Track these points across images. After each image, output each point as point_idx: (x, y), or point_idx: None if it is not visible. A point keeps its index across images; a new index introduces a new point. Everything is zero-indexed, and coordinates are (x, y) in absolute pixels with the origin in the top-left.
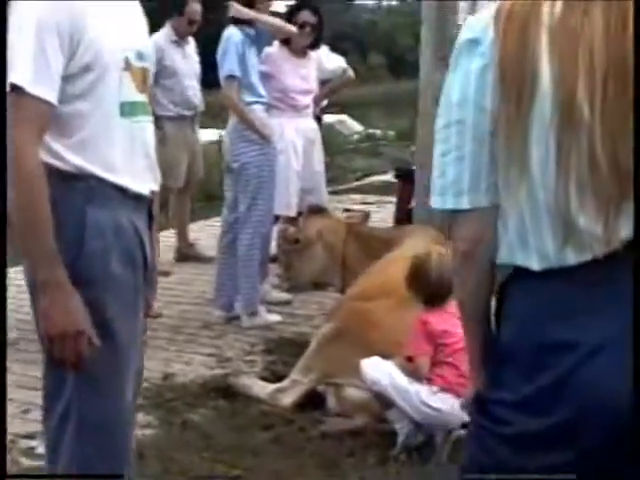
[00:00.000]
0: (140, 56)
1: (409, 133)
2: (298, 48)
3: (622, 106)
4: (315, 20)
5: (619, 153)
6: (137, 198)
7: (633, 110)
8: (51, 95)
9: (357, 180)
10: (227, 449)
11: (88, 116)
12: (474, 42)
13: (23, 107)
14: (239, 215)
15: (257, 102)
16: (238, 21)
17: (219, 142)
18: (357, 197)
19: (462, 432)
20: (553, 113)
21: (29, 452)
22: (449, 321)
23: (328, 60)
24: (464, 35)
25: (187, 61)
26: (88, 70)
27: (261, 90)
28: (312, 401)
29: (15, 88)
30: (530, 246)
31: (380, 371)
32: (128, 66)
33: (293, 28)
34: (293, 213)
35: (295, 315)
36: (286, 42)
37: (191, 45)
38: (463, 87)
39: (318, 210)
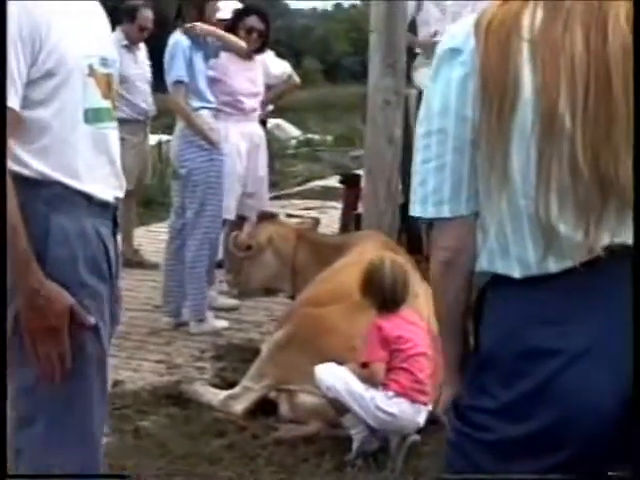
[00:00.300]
0: (104, 62)
1: (347, 138)
2: (244, 52)
3: (603, 116)
4: (263, 26)
5: (600, 161)
6: (102, 205)
7: (634, 110)
8: (13, 101)
9: (298, 185)
10: (182, 457)
11: (51, 122)
12: (455, 51)
13: None
14: (186, 221)
15: (204, 107)
16: (184, 30)
17: (158, 147)
18: (299, 202)
19: (417, 437)
20: (534, 122)
21: None
22: (403, 327)
23: (273, 65)
24: (445, 44)
25: (138, 66)
26: (51, 76)
27: (209, 95)
28: (264, 408)
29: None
30: (511, 254)
31: (335, 377)
32: (92, 72)
33: (243, 44)
34: (232, 217)
35: (243, 321)
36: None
37: (142, 51)
38: (444, 96)
39: (268, 216)
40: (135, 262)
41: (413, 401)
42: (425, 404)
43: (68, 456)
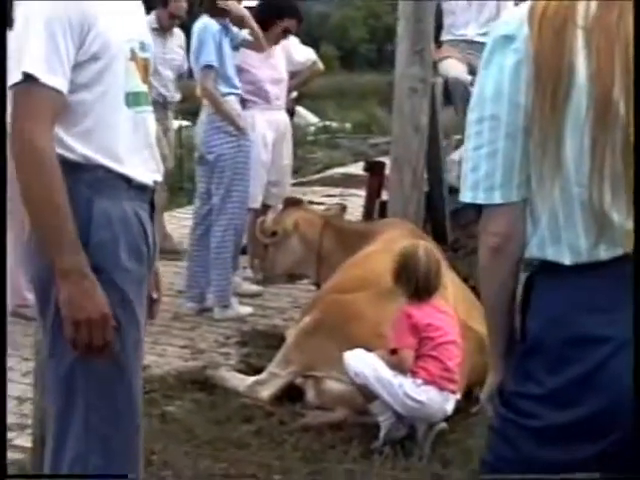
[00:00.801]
0: (143, 47)
1: (365, 125)
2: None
3: None
4: (297, 29)
5: None
6: (141, 188)
7: (634, 110)
8: (63, 84)
9: (318, 172)
10: (209, 442)
11: (94, 105)
12: (508, 38)
13: (36, 97)
14: (212, 207)
15: (232, 93)
16: (213, 12)
17: (178, 132)
18: (319, 189)
19: (444, 425)
20: (588, 109)
21: (7, 444)
22: (433, 315)
23: (297, 52)
24: (498, 31)
25: (165, 51)
26: (96, 59)
27: (236, 81)
28: (290, 394)
29: (27, 77)
30: (562, 241)
31: (363, 363)
32: (134, 56)
33: (265, 44)
34: (258, 205)
35: (267, 307)
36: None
37: (175, 37)
38: (497, 82)
39: (294, 202)
40: (166, 249)
41: (441, 389)
42: (453, 392)
43: (112, 444)
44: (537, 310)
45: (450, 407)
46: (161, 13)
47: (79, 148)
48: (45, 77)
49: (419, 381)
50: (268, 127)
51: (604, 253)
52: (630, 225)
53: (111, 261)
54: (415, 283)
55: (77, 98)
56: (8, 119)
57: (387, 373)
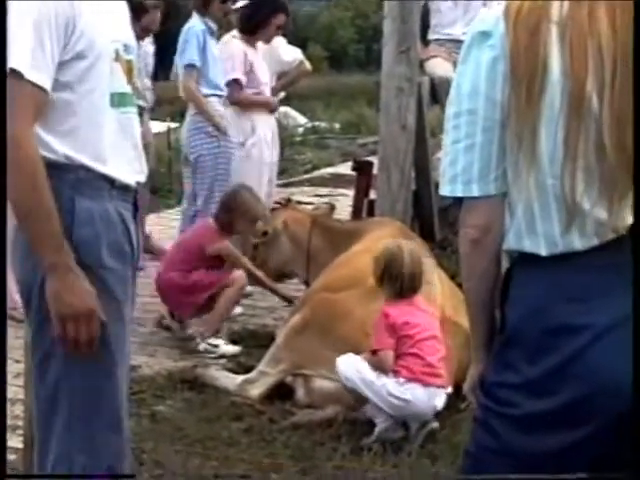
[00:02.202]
0: (127, 49)
1: (354, 125)
2: (263, 40)
3: (629, 97)
4: (285, 23)
5: (627, 141)
6: (124, 189)
7: (633, 110)
8: (47, 82)
9: (307, 172)
10: (199, 440)
11: (78, 105)
12: (485, 34)
13: (20, 92)
14: (198, 208)
15: (214, 95)
16: (201, 11)
17: (167, 134)
18: (308, 189)
19: (436, 425)
20: (562, 103)
21: None
22: (410, 312)
23: (284, 52)
24: (476, 27)
25: (140, 59)
26: (80, 58)
27: (219, 82)
28: (280, 392)
29: (13, 72)
30: (538, 232)
31: (351, 367)
32: (118, 57)
33: None
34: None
35: (256, 307)
36: (253, 33)
37: (147, 42)
38: (474, 78)
39: (283, 202)
40: (146, 249)
41: (426, 385)
42: (440, 386)
43: (95, 442)
44: (516, 301)
45: (439, 402)
46: (134, 27)
47: (61, 148)
48: (29, 73)
49: (402, 380)
50: (267, 127)
51: (579, 243)
52: (603, 215)
53: (93, 259)
54: (400, 283)
55: (61, 97)
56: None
57: (371, 375)
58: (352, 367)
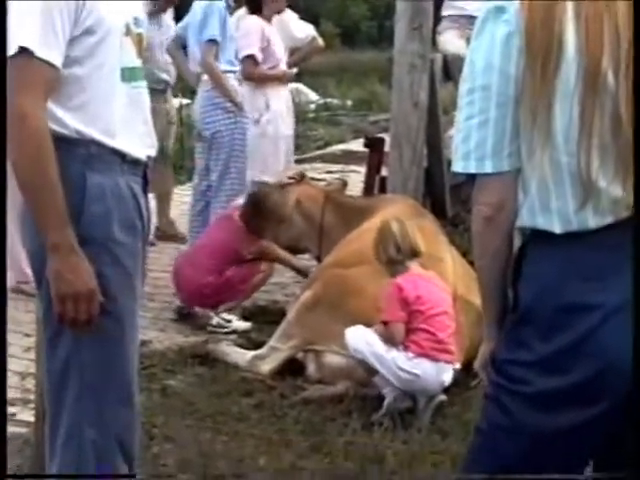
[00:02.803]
0: (137, 22)
1: (366, 102)
2: (271, 15)
3: None
4: None
5: None
6: (135, 163)
7: (633, 109)
8: (57, 59)
9: (319, 149)
10: (210, 415)
11: (88, 79)
12: (500, 9)
13: (30, 70)
14: (211, 183)
15: (230, 71)
16: None
17: (179, 110)
18: (320, 166)
19: (443, 397)
20: (577, 80)
21: (10, 419)
22: (423, 287)
23: (296, 28)
24: (491, 2)
25: (162, 32)
26: (90, 33)
27: (235, 60)
28: (291, 368)
29: (22, 50)
30: (552, 209)
31: (361, 339)
32: (128, 31)
33: None
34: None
35: (268, 283)
36: (257, 11)
37: (168, 14)
38: (488, 53)
39: (297, 177)
40: (168, 234)
41: (435, 360)
42: (449, 362)
43: (105, 415)
44: (529, 278)
45: (447, 377)
46: None
47: (73, 123)
48: (39, 50)
49: (411, 354)
50: (281, 103)
51: (593, 221)
52: (617, 192)
53: (105, 234)
54: (386, 255)
55: (71, 72)
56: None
57: (381, 348)
58: (362, 339)
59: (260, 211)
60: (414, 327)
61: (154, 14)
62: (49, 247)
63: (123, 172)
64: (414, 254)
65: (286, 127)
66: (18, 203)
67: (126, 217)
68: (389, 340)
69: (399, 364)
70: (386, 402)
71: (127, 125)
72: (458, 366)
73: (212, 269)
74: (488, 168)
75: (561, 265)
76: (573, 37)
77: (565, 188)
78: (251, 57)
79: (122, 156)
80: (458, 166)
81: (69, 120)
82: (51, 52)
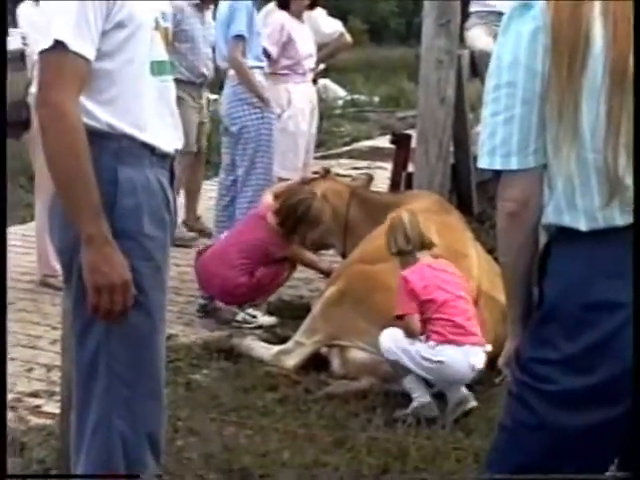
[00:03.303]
0: (164, 16)
1: (393, 99)
2: (300, 11)
3: None
4: None
5: None
6: (163, 156)
7: (633, 109)
8: (91, 52)
9: (345, 145)
10: (234, 409)
11: (118, 74)
12: (527, 6)
13: (64, 63)
14: (236, 178)
15: (257, 67)
16: None
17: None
18: (346, 162)
19: (474, 404)
20: (604, 77)
21: (35, 410)
22: (431, 276)
23: (325, 24)
24: None
25: (205, 27)
26: (121, 27)
27: (261, 56)
28: (316, 363)
29: (57, 44)
30: (578, 207)
31: (388, 338)
32: (157, 26)
33: None
34: (298, 177)
35: (293, 278)
36: (285, 6)
37: (210, 11)
38: (514, 49)
39: (322, 173)
40: (195, 228)
41: (459, 345)
42: (475, 343)
43: (134, 407)
44: (554, 276)
45: (478, 360)
46: None
47: (104, 117)
48: (74, 44)
49: (432, 343)
50: (303, 100)
51: (619, 219)
52: None
53: (136, 228)
54: (397, 246)
55: (102, 66)
56: (33, 88)
57: (404, 342)
58: (390, 338)
59: (300, 218)
60: (429, 317)
61: (198, 9)
62: (84, 239)
63: (152, 165)
64: (424, 245)
65: (307, 124)
66: (46, 199)
67: (156, 211)
68: (407, 332)
69: (423, 354)
70: (412, 405)
71: (156, 118)
72: (489, 348)
73: (244, 269)
74: (513, 164)
75: (586, 263)
76: (600, 34)
77: (591, 185)
78: (264, 51)
79: (152, 149)
80: (484, 162)
81: (100, 114)
82: (85, 45)
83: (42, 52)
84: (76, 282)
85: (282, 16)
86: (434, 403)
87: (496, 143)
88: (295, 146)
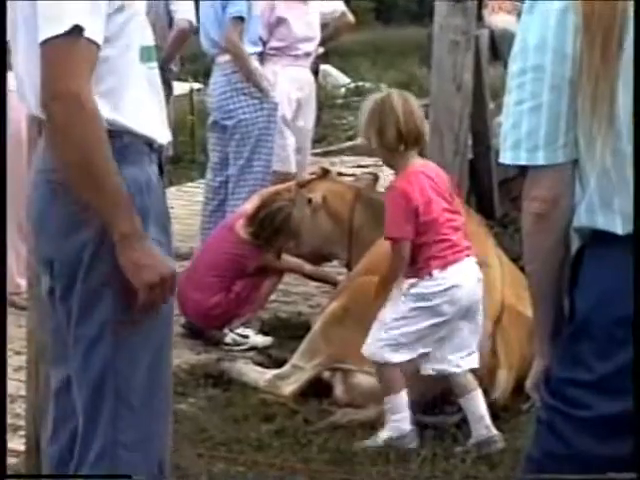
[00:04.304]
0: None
1: (403, 86)
2: None
3: None
4: None
5: None
6: (157, 151)
7: (633, 109)
8: (100, 37)
9: (349, 139)
10: (224, 443)
11: (115, 61)
12: None
13: (78, 50)
14: (228, 178)
15: (254, 53)
16: None
17: (189, 96)
18: (350, 159)
19: (501, 445)
20: None
21: None
22: (427, 186)
23: (324, 3)
24: None
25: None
26: (120, 11)
27: (258, 41)
28: (316, 389)
29: (73, 29)
30: (614, 208)
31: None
32: (148, 10)
33: None
34: (292, 169)
35: (290, 293)
36: None
37: None
38: (541, 30)
39: (320, 172)
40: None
41: (458, 261)
42: (469, 254)
43: (148, 433)
44: (586, 286)
45: (477, 270)
46: None
47: (104, 111)
48: (89, 29)
49: (435, 272)
50: (292, 84)
51: None
52: None
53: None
54: (390, 137)
55: (102, 53)
56: (39, 77)
57: (396, 306)
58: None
59: (277, 229)
60: (427, 241)
61: None
62: (118, 239)
63: (151, 161)
64: (417, 141)
65: (295, 116)
66: (16, 212)
67: (159, 213)
68: (396, 262)
69: (429, 292)
70: (384, 435)
71: (150, 110)
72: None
73: (217, 287)
74: (541, 159)
75: (623, 272)
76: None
77: (630, 183)
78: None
79: (150, 144)
80: (507, 157)
81: (101, 108)
82: (97, 30)
83: (51, 39)
84: (80, 298)
85: None
86: (415, 432)
87: (521, 135)
88: (282, 134)
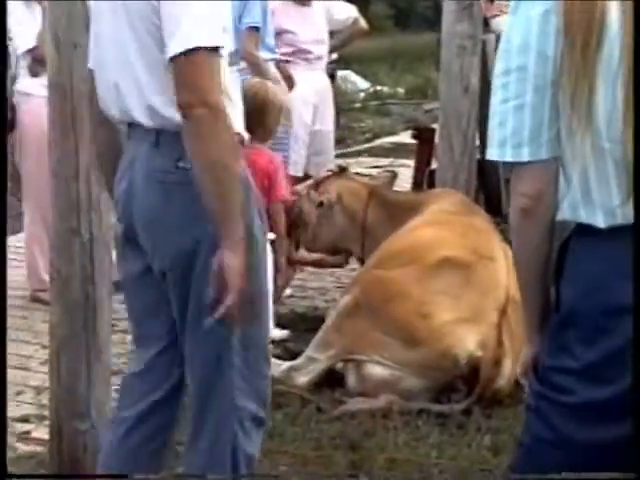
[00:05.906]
0: None
1: (419, 90)
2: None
3: None
4: None
5: None
6: None
7: (633, 110)
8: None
9: (366, 141)
10: None
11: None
12: None
13: (215, 62)
14: None
15: (272, 59)
16: None
17: None
18: (367, 160)
19: None
20: (621, 61)
21: (24, 437)
22: None
23: (337, 9)
24: None
25: None
26: None
27: (274, 48)
28: (330, 380)
29: (213, 48)
30: (595, 202)
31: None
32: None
33: None
34: (300, 173)
35: (306, 288)
36: None
37: None
38: (524, 32)
39: (338, 171)
40: None
41: None
42: None
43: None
44: (572, 277)
45: None
46: None
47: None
48: (221, 44)
49: None
50: (307, 88)
51: None
52: None
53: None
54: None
55: None
56: (19, 84)
57: None
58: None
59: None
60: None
61: None
62: (229, 244)
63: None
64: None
65: (312, 118)
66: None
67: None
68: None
69: None
70: None
71: (239, 109)
72: None
73: None
74: (525, 156)
75: (606, 263)
76: (617, 13)
77: (609, 178)
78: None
79: (242, 142)
80: (493, 153)
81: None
82: (224, 45)
83: (199, 49)
84: (197, 290)
85: (275, 3)
86: None
87: (507, 133)
88: (295, 138)
